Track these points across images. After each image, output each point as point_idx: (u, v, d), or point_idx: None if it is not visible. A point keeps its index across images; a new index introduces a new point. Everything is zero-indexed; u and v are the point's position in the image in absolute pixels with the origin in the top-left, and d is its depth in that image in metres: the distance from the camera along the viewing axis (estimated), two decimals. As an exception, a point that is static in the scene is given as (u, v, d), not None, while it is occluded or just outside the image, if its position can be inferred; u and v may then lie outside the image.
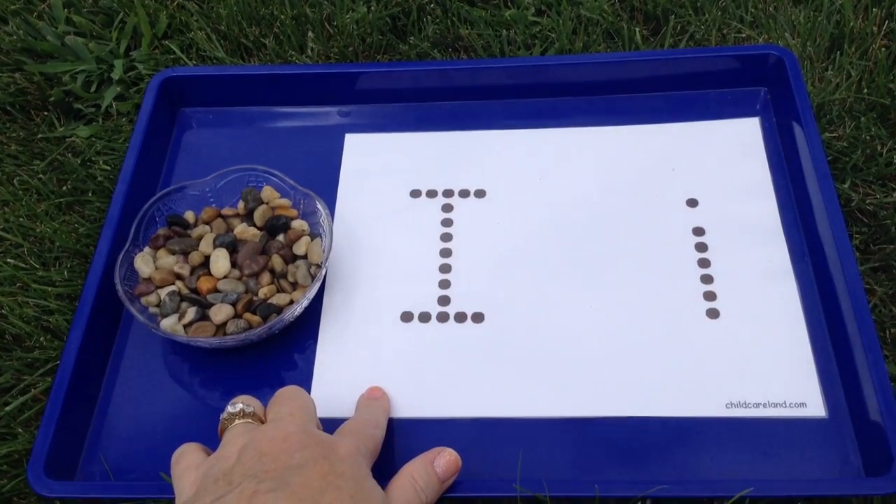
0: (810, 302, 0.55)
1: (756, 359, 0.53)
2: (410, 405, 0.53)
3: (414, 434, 0.52)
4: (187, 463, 0.45)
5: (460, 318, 0.56)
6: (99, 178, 0.65)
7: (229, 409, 0.47)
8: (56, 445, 0.51)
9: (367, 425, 0.48)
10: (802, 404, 0.51)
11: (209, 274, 0.56)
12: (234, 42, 0.73)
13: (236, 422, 0.46)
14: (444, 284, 0.58)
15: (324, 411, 0.53)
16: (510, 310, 0.56)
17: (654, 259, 0.58)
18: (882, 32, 0.69)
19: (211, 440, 0.52)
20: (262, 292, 0.55)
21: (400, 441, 0.52)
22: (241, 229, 0.58)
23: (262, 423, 0.46)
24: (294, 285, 0.56)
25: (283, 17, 0.73)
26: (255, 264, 0.56)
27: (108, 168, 0.66)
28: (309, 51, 0.72)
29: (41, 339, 0.57)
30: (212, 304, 0.54)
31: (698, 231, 0.59)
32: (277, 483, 0.40)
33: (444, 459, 0.47)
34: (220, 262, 0.56)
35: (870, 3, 0.71)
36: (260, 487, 0.40)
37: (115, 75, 0.72)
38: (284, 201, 0.59)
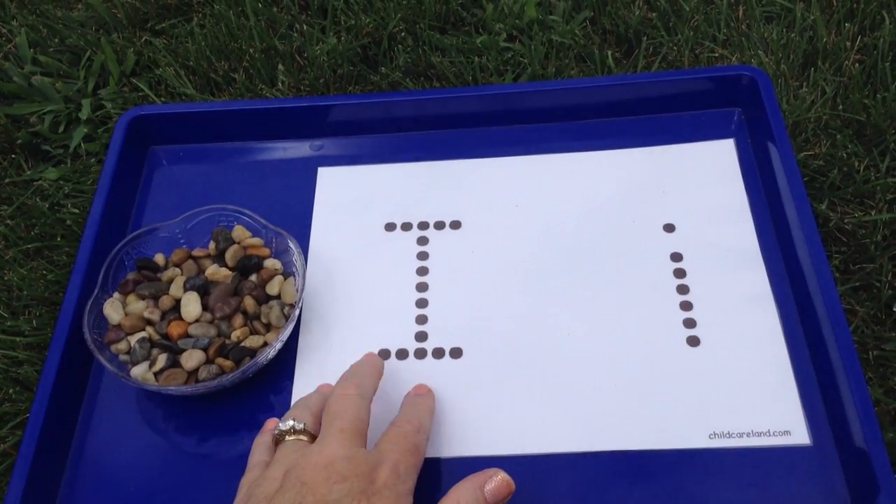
0: (791, 326, 0.54)
1: (738, 387, 0.52)
2: (389, 446, 0.52)
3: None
4: (253, 461, 0.48)
5: (438, 353, 0.56)
6: (68, 222, 0.64)
7: (280, 425, 0.48)
8: (27, 501, 0.50)
9: (409, 434, 0.47)
10: (787, 432, 0.50)
11: (180, 318, 0.55)
12: (204, 77, 0.73)
13: (287, 439, 0.47)
14: (421, 320, 0.57)
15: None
16: (488, 344, 0.56)
17: (633, 287, 0.57)
18: (855, 48, 0.68)
19: (188, 488, 0.52)
20: (235, 335, 0.54)
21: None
22: (213, 270, 0.57)
23: (314, 437, 0.47)
24: (268, 327, 0.55)
25: (252, 50, 0.72)
26: (227, 306, 0.55)
27: (77, 211, 0.65)
28: (280, 84, 0.71)
29: (10, 391, 0.56)
30: (183, 350, 0.53)
31: (676, 257, 0.58)
32: None
33: (494, 483, 0.45)
34: (191, 305, 0.55)
35: (842, 19, 0.70)
36: None
37: (84, 115, 0.71)
38: (256, 240, 0.59)
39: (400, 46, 0.73)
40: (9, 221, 0.65)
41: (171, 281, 0.57)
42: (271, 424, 0.51)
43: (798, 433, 0.50)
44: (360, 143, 0.67)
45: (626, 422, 0.51)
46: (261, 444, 0.50)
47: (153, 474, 0.52)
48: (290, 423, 0.48)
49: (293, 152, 0.67)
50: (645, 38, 0.71)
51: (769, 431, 0.50)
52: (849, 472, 0.48)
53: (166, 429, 0.54)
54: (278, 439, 0.48)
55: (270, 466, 0.46)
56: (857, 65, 0.67)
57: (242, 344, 0.54)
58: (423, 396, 0.52)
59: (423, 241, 0.61)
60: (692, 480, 0.49)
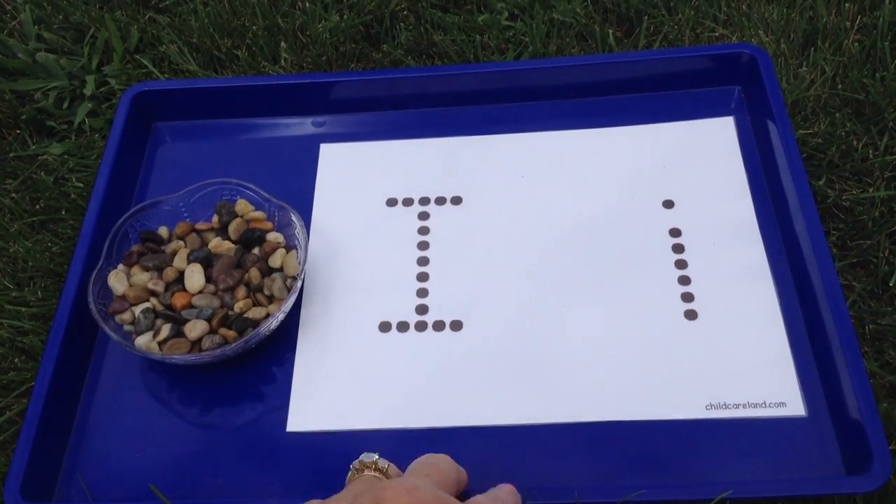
0: (788, 300, 0.55)
1: (735, 359, 0.53)
2: (389, 416, 0.53)
3: (392, 444, 0.51)
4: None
5: (438, 326, 0.56)
6: (72, 196, 0.65)
7: (363, 457, 0.44)
8: (32, 467, 0.50)
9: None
10: (782, 404, 0.51)
11: (184, 289, 0.56)
12: (207, 54, 0.73)
13: (365, 472, 0.43)
14: (422, 293, 0.58)
15: (303, 425, 0.53)
16: (488, 317, 0.56)
17: (632, 261, 0.58)
18: (855, 27, 0.69)
19: (191, 456, 0.52)
20: (238, 306, 0.55)
21: (379, 452, 0.51)
22: (216, 243, 0.58)
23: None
24: (270, 298, 0.56)
25: (255, 27, 0.73)
26: (230, 278, 0.55)
27: (81, 185, 0.65)
28: (282, 61, 0.72)
29: (16, 360, 0.56)
30: (187, 320, 0.54)
31: (675, 232, 0.58)
32: None
33: (512, 500, 0.44)
34: (195, 277, 0.56)
35: (842, -1, 0.71)
36: None
37: (88, 91, 0.71)
38: (259, 214, 0.59)
39: (402, 24, 0.73)
40: (14, 195, 0.65)
41: (174, 253, 0.57)
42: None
43: (793, 404, 0.51)
44: (362, 119, 0.68)
45: (625, 393, 0.52)
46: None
47: (156, 442, 0.53)
48: (375, 457, 0.44)
49: (295, 129, 0.68)
50: (646, 17, 0.71)
51: (765, 403, 0.51)
52: (843, 443, 0.49)
53: (170, 398, 0.55)
54: (354, 474, 0.44)
55: (340, 493, 0.41)
56: (856, 44, 0.68)
57: (245, 315, 0.54)
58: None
59: (423, 216, 0.62)
60: (688, 450, 0.50)
